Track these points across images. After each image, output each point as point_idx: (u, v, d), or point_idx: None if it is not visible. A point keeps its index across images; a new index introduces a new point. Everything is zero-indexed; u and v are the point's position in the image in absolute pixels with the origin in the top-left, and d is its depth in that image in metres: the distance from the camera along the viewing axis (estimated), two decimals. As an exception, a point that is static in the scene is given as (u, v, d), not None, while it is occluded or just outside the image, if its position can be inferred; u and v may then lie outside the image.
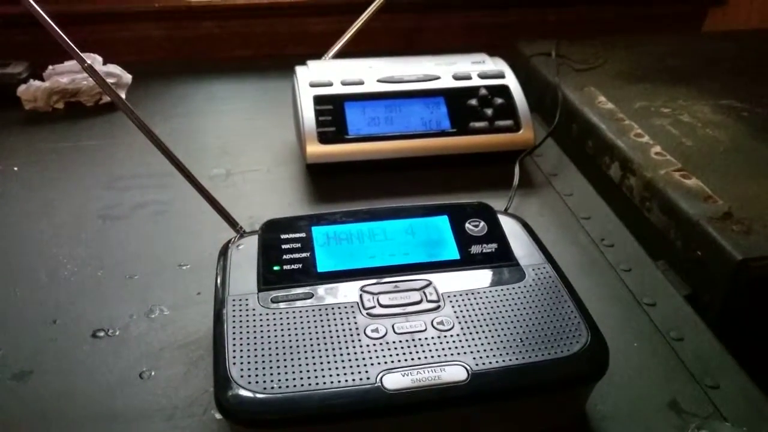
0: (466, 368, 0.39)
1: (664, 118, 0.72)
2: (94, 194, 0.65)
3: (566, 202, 0.65)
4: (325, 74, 0.69)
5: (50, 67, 0.81)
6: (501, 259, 0.48)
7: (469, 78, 0.70)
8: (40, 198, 0.64)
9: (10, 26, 0.89)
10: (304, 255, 0.47)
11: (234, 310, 0.43)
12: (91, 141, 0.74)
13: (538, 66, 0.85)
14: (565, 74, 0.81)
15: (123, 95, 0.82)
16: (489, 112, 0.68)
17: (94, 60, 0.81)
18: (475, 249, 0.48)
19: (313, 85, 0.68)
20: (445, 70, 0.71)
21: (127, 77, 0.84)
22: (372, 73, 0.70)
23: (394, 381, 0.38)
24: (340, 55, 0.81)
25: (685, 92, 0.78)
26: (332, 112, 0.66)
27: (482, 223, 0.50)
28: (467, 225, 0.50)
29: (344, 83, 0.68)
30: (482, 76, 0.70)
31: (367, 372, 0.39)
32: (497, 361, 0.39)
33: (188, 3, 0.96)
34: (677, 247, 0.57)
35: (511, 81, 0.70)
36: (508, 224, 0.51)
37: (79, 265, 0.55)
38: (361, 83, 0.68)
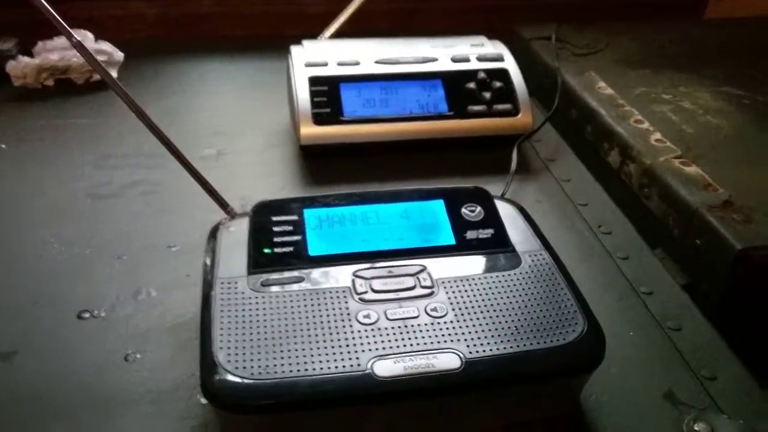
0: (459, 356, 0.38)
1: (665, 104, 0.71)
2: (84, 173, 0.64)
3: (564, 188, 0.64)
4: (320, 54, 0.68)
5: (40, 43, 0.79)
6: (497, 245, 0.47)
7: (467, 61, 0.69)
8: (28, 176, 0.63)
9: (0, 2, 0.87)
10: (295, 238, 0.46)
11: (222, 293, 0.42)
12: (81, 119, 0.73)
13: (537, 50, 0.83)
14: (564, 59, 0.80)
15: (114, 73, 0.80)
16: (487, 95, 0.66)
17: (85, 37, 0.79)
18: (471, 234, 0.47)
19: (308, 65, 0.66)
20: (443, 53, 0.69)
21: (119, 55, 0.82)
22: (369, 54, 0.68)
23: (385, 368, 0.37)
24: (336, 35, 0.79)
25: (686, 79, 0.76)
26: (327, 93, 0.64)
27: (478, 208, 0.49)
28: (463, 210, 0.49)
29: (340, 64, 0.67)
30: (481, 59, 0.69)
31: (358, 358, 0.38)
32: (491, 349, 0.39)
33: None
34: (676, 235, 0.56)
35: (510, 64, 0.69)
36: (504, 210, 0.50)
37: (66, 244, 0.54)
38: (357, 64, 0.67)
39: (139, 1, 0.95)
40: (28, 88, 0.78)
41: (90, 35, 0.80)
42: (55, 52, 0.78)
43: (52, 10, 0.44)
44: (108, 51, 0.81)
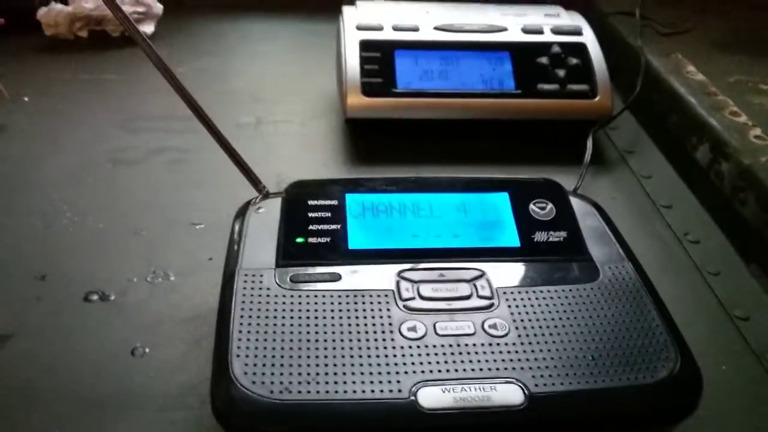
0: (522, 389, 0.31)
1: (765, 95, 0.62)
2: (107, 134, 0.58)
3: (644, 186, 0.56)
4: (375, 17, 0.60)
5: (75, -10, 0.74)
6: (571, 251, 0.39)
7: (540, 32, 0.60)
8: (47, 134, 0.58)
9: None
10: (333, 227, 0.39)
11: (246, 287, 0.36)
12: (111, 75, 0.67)
13: (617, 26, 0.74)
14: (649, 38, 0.71)
15: (151, 28, 0.74)
16: (561, 73, 0.58)
17: (123, -14, 0.74)
18: (540, 236, 0.40)
19: (360, 29, 0.59)
20: (514, 22, 0.61)
21: (158, 8, 0.76)
22: (429, 19, 0.60)
23: (431, 397, 0.31)
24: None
25: (790, 68, 0.67)
26: (380, 61, 0.57)
27: (549, 205, 0.42)
28: (531, 206, 0.41)
29: (396, 29, 0.59)
30: (556, 32, 0.60)
31: (399, 382, 0.31)
32: (562, 383, 0.32)
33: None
34: (776, 250, 0.48)
35: (589, 39, 0.61)
36: (580, 208, 0.43)
37: (79, 213, 0.49)
38: (415, 30, 0.59)
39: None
40: (60, 38, 0.73)
41: (129, -15, 0.74)
42: (90, 0, 0.73)
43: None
44: (147, 3, 0.75)
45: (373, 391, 0.31)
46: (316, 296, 0.35)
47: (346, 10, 0.62)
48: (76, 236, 0.47)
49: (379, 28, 0.59)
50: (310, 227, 0.39)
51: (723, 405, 0.38)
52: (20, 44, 0.71)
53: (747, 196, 0.52)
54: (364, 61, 0.57)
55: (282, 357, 0.32)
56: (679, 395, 0.32)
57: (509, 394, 0.31)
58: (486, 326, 0.34)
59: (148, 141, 0.57)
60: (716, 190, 0.55)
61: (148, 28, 0.74)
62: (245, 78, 0.70)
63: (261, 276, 0.36)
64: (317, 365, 0.32)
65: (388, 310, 0.35)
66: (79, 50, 0.72)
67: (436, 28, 0.60)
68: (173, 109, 0.60)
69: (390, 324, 0.34)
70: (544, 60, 0.59)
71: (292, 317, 0.34)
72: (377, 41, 0.58)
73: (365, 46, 0.58)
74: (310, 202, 0.40)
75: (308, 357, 0.32)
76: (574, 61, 0.59)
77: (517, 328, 0.34)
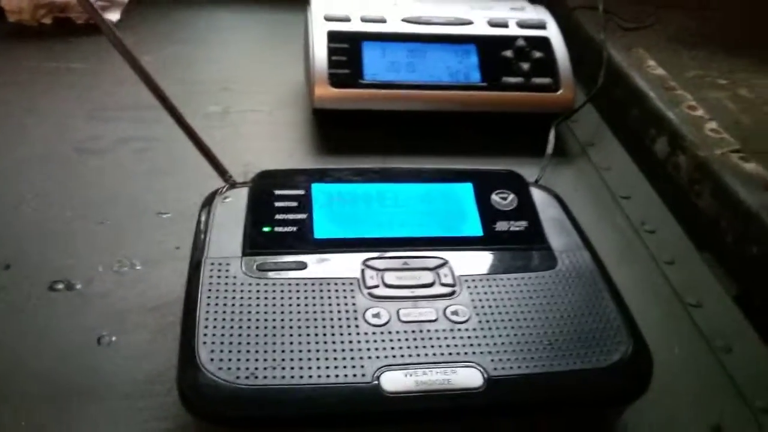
0: (481, 372, 0.32)
1: (722, 90, 0.64)
2: (73, 123, 0.58)
3: (603, 177, 0.57)
4: (342, 8, 0.61)
5: (39, -24, 0.73)
6: (531, 240, 0.41)
7: (505, 26, 0.61)
8: (12, 122, 0.57)
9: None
10: (300, 216, 0.40)
11: (212, 276, 0.36)
12: (77, 63, 0.67)
13: (582, 20, 0.76)
14: (612, 32, 0.73)
15: (118, 15, 0.74)
16: (525, 66, 0.59)
17: (88, -28, 0.73)
18: (501, 226, 0.41)
19: (328, 19, 0.59)
20: (480, 15, 0.62)
21: (125, -5, 0.75)
22: (397, 11, 0.61)
23: (394, 381, 0.32)
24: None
25: (746, 63, 0.69)
26: (347, 52, 0.57)
27: (511, 196, 0.43)
28: (494, 196, 0.43)
29: (364, 20, 0.60)
30: (521, 25, 0.62)
31: (363, 367, 0.32)
32: (519, 366, 0.33)
33: None
34: (728, 239, 0.50)
35: (553, 33, 0.62)
36: (540, 199, 0.44)
37: (44, 203, 0.48)
38: (383, 21, 0.60)
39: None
40: (24, 24, 0.72)
41: (94, -29, 0.73)
42: (54, -13, 0.72)
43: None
44: (113, -10, 0.74)
45: (337, 375, 0.32)
46: (282, 284, 0.36)
47: (314, 0, 0.63)
48: (41, 225, 0.46)
49: (347, 20, 0.59)
50: (277, 216, 0.40)
51: (674, 388, 0.39)
52: (-18, 31, 0.70)
53: (702, 188, 0.54)
54: (331, 52, 0.57)
55: (248, 344, 0.32)
56: (631, 378, 0.34)
57: (469, 378, 0.32)
58: (448, 313, 0.35)
59: (114, 130, 0.57)
60: (673, 182, 0.57)
61: (113, 16, 0.73)
62: (213, 67, 0.70)
63: (228, 265, 0.37)
64: (283, 351, 0.32)
65: (353, 297, 0.36)
66: (43, 37, 0.71)
67: (403, 20, 0.60)
68: (140, 99, 0.59)
69: (355, 311, 0.35)
70: (508, 53, 0.60)
71: (258, 305, 0.34)
72: (345, 32, 0.58)
73: (333, 37, 0.58)
74: (277, 192, 0.41)
75: (274, 344, 0.33)
76: (537, 54, 0.60)
77: (477, 314, 0.35)
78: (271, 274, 0.36)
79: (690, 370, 0.41)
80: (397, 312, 0.35)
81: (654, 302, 0.45)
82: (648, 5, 0.80)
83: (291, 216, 0.40)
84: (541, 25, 0.62)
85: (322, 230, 0.39)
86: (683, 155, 0.56)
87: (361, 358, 0.32)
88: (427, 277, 0.37)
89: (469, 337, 0.34)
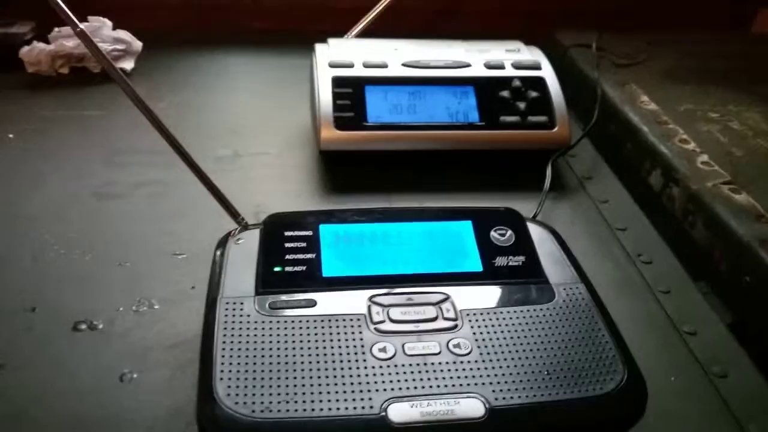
0: (483, 402, 0.34)
1: (713, 123, 0.66)
2: (91, 170, 0.60)
3: (600, 211, 0.59)
4: (346, 54, 0.64)
5: (56, 29, 0.76)
6: (529, 274, 0.43)
7: (502, 67, 0.64)
8: (33, 170, 0.60)
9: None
10: (309, 256, 0.42)
11: (227, 315, 0.38)
12: (93, 111, 0.70)
13: (576, 58, 0.79)
14: (605, 69, 0.75)
15: (131, 64, 0.77)
16: (522, 105, 0.62)
17: (103, 24, 0.77)
18: (500, 261, 0.43)
19: (332, 66, 0.62)
20: (477, 58, 0.65)
21: (137, 44, 0.79)
22: (397, 55, 0.64)
23: (400, 412, 0.33)
24: (365, 34, 0.75)
25: (735, 97, 0.71)
26: (351, 96, 0.60)
27: (509, 232, 0.45)
28: (492, 233, 0.45)
29: (366, 65, 0.63)
30: (516, 66, 0.64)
31: (371, 399, 0.34)
32: (519, 396, 0.35)
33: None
34: (722, 269, 0.52)
35: (547, 73, 0.65)
36: (537, 234, 0.46)
37: (66, 246, 0.51)
38: (384, 66, 0.63)
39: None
40: (42, 75, 0.75)
41: (108, 23, 0.77)
42: (71, 39, 0.75)
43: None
44: (126, 40, 0.78)
45: (347, 408, 0.33)
46: (293, 321, 0.38)
47: (319, 47, 0.66)
48: (63, 269, 0.49)
49: (350, 65, 0.62)
50: (287, 257, 0.42)
51: (670, 414, 0.41)
52: (2, 82, 0.73)
53: (695, 219, 0.56)
54: (336, 96, 0.60)
55: (263, 379, 0.34)
56: (625, 405, 0.35)
57: (471, 408, 0.34)
58: (450, 346, 0.37)
59: (130, 175, 0.60)
60: (668, 214, 0.59)
61: (128, 65, 0.77)
62: (223, 111, 0.73)
63: (242, 303, 0.39)
64: (295, 386, 0.34)
65: (360, 332, 0.38)
66: (60, 87, 0.74)
67: (404, 65, 0.63)
68: (154, 144, 0.62)
69: (362, 346, 0.37)
70: (505, 93, 0.62)
71: (271, 341, 0.37)
72: (348, 77, 0.61)
73: (337, 82, 0.61)
74: (287, 233, 0.43)
75: (287, 378, 0.35)
76: (533, 94, 0.63)
77: (479, 347, 0.37)
78: (282, 311, 0.39)
79: (686, 396, 0.42)
80: (403, 346, 0.37)
81: (651, 331, 0.47)
82: (640, 42, 0.83)
83: (300, 256, 0.42)
84: (536, 66, 0.65)
85: (329, 269, 0.41)
86: (677, 187, 0.58)
87: (369, 390, 0.34)
88: (430, 311, 0.39)
89: (471, 369, 0.36)
